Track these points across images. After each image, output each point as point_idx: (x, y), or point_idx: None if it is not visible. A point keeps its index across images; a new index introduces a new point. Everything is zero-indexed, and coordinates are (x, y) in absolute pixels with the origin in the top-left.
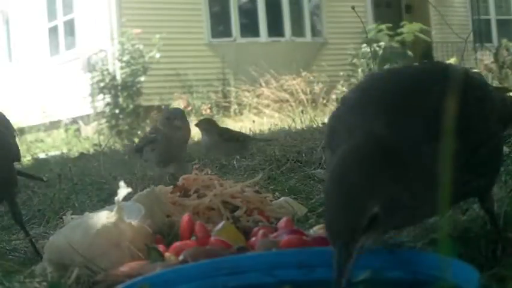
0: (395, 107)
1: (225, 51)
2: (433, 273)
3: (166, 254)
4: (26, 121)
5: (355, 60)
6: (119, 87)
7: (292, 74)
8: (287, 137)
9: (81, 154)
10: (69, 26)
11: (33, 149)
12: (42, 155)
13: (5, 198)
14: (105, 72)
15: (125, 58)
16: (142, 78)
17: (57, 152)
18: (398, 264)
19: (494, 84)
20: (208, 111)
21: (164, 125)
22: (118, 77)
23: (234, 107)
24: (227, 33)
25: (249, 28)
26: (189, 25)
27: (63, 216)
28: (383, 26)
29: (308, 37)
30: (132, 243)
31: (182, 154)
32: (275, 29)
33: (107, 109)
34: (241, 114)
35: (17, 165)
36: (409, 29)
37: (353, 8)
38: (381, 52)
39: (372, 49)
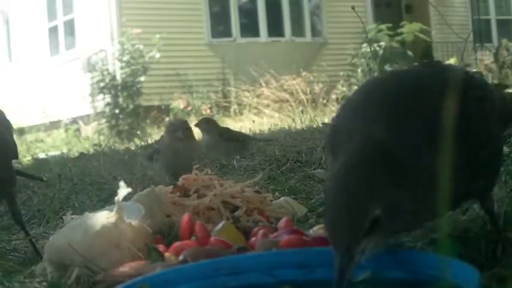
0: (396, 110)
1: (225, 51)
2: (433, 273)
3: (166, 254)
4: (26, 121)
5: (355, 60)
6: (119, 87)
7: (292, 74)
8: (287, 137)
9: (81, 154)
10: (69, 26)
11: (33, 149)
12: (42, 155)
13: (4, 198)
14: (105, 72)
15: (125, 58)
16: (142, 78)
17: (57, 152)
18: (398, 264)
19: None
20: (208, 111)
21: (168, 136)
22: (118, 77)
23: (234, 107)
24: (227, 33)
25: (249, 28)
26: (189, 25)
27: (63, 216)
28: (383, 26)
29: (308, 37)
30: (132, 243)
31: (192, 165)
32: (275, 29)
33: (107, 109)
34: (241, 114)
35: (16, 165)
36: (409, 29)
37: (353, 8)
38: (381, 52)
39: (372, 49)
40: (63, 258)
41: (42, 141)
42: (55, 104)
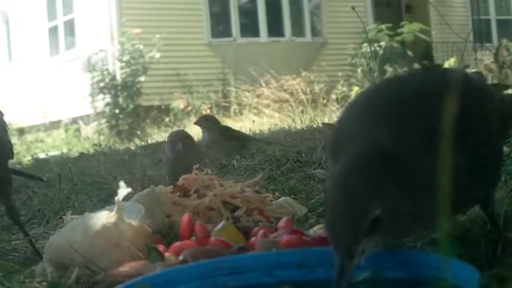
0: (397, 114)
1: (225, 51)
2: (433, 273)
3: (166, 254)
4: (26, 121)
5: (355, 60)
6: (119, 87)
7: (292, 74)
8: (287, 137)
9: (81, 154)
10: (69, 26)
11: (33, 149)
12: (42, 155)
13: (0, 197)
14: (105, 72)
15: (125, 58)
16: (142, 78)
17: (57, 152)
18: (398, 264)
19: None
20: (208, 111)
21: (168, 148)
22: (118, 77)
23: (234, 107)
24: (227, 33)
25: (249, 28)
26: (189, 25)
27: (63, 216)
28: (383, 26)
29: (308, 37)
30: (132, 243)
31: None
32: (275, 29)
33: (107, 109)
34: (241, 114)
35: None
36: (409, 29)
37: (353, 8)
38: (381, 52)
39: (372, 49)
40: (63, 258)
41: (42, 141)
42: (55, 104)
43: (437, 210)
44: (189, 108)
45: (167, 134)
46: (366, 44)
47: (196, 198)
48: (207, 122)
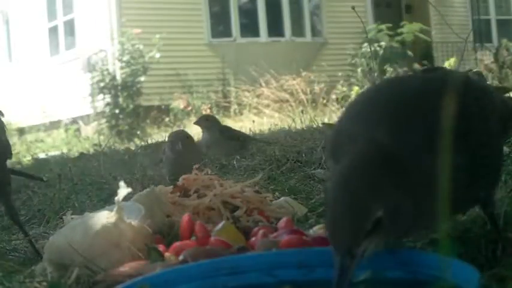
0: (398, 114)
1: (225, 51)
2: (433, 273)
3: (166, 254)
4: (26, 121)
5: (355, 60)
6: (119, 87)
7: (292, 74)
8: (287, 137)
9: (81, 154)
10: (69, 26)
11: (33, 149)
12: (42, 155)
13: (0, 198)
14: (105, 72)
15: (125, 58)
16: (142, 78)
17: (57, 152)
18: (398, 264)
19: (494, 84)
20: (208, 111)
21: (168, 148)
22: (118, 77)
23: (234, 107)
24: (227, 33)
25: (249, 28)
26: (189, 25)
27: (63, 216)
28: (383, 26)
29: (308, 37)
30: (132, 243)
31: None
32: (275, 29)
33: (107, 109)
34: (241, 114)
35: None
36: (409, 29)
37: (353, 8)
38: (381, 52)
39: (372, 49)
40: (63, 258)
41: (42, 141)
42: (55, 104)
43: (437, 210)
44: (189, 108)
45: (167, 134)
46: (366, 44)
47: (196, 198)
48: (207, 122)
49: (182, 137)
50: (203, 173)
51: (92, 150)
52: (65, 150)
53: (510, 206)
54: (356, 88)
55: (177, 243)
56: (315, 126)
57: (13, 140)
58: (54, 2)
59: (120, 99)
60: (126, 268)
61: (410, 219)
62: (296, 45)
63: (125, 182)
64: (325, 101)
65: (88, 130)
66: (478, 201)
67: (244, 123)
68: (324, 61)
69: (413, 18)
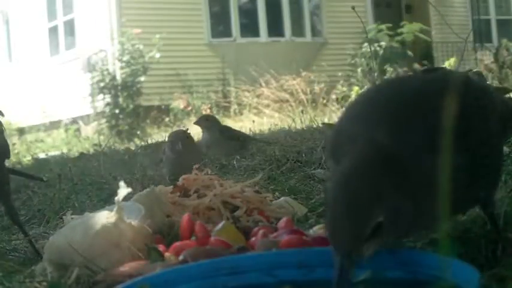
0: (398, 115)
1: (225, 51)
2: (433, 273)
3: (166, 254)
4: (26, 121)
5: (355, 60)
6: (119, 87)
7: (292, 74)
8: (287, 137)
9: (81, 154)
10: (69, 26)
11: (33, 149)
12: (42, 155)
13: None
14: (105, 72)
15: (125, 58)
16: (142, 78)
17: (57, 152)
18: (398, 264)
19: (494, 85)
20: (208, 111)
21: (168, 148)
22: (118, 77)
23: (234, 107)
24: (227, 33)
25: (249, 28)
26: (189, 25)
27: (63, 216)
28: (383, 26)
29: (308, 37)
30: (132, 243)
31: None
32: (275, 29)
33: (107, 109)
34: (241, 114)
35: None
36: (409, 29)
37: (353, 8)
38: (381, 52)
39: (372, 49)
40: (63, 258)
41: (42, 141)
42: (55, 104)
43: (437, 211)
44: (189, 108)
45: (167, 134)
46: (366, 44)
47: (196, 198)
48: (207, 121)
49: (182, 137)
50: (203, 173)
51: (92, 150)
52: (65, 150)
53: (510, 206)
54: (356, 88)
55: (177, 243)
56: (315, 126)
57: (13, 140)
58: (54, 2)
59: (120, 99)
60: (126, 268)
61: (411, 220)
62: (296, 45)
63: (125, 182)
64: (325, 101)
65: (88, 130)
66: (478, 201)
67: (244, 123)
68: (324, 61)
69: (413, 18)
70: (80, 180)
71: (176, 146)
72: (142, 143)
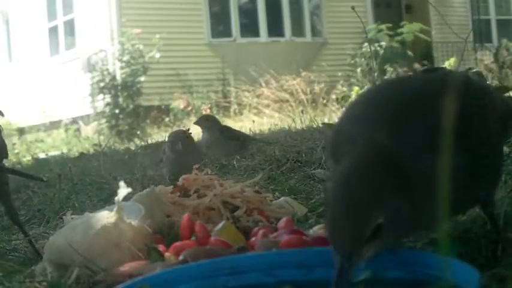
0: (398, 116)
1: (225, 51)
2: (433, 273)
3: (166, 254)
4: (26, 121)
5: (355, 60)
6: (119, 87)
7: (292, 74)
8: (287, 137)
9: (81, 154)
10: (69, 26)
11: (33, 149)
12: (42, 155)
13: None
14: (105, 72)
15: (125, 58)
16: (142, 78)
17: (57, 152)
18: (398, 264)
19: (494, 84)
20: (208, 111)
21: (168, 148)
22: (118, 77)
23: (234, 107)
24: (227, 33)
25: (249, 28)
26: (189, 25)
27: (63, 216)
28: (383, 26)
29: (308, 37)
30: (132, 243)
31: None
32: (275, 29)
33: (107, 109)
34: (241, 114)
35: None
36: (409, 29)
37: (353, 8)
38: (381, 52)
39: (372, 49)
40: (63, 258)
41: (42, 141)
42: (55, 104)
43: (437, 211)
44: (189, 108)
45: (167, 134)
46: (366, 44)
47: (196, 198)
48: (207, 122)
49: (182, 137)
50: (203, 173)
51: (92, 150)
52: (65, 150)
53: (510, 206)
54: (356, 88)
55: (177, 243)
56: (315, 126)
57: (13, 140)
58: (54, 2)
59: (120, 99)
60: (126, 268)
61: (411, 220)
62: (296, 45)
63: (125, 182)
64: (325, 101)
65: (88, 130)
66: (478, 201)
67: (244, 123)
68: (324, 61)
69: (413, 18)
70: (80, 180)
71: (176, 146)
72: (142, 143)
